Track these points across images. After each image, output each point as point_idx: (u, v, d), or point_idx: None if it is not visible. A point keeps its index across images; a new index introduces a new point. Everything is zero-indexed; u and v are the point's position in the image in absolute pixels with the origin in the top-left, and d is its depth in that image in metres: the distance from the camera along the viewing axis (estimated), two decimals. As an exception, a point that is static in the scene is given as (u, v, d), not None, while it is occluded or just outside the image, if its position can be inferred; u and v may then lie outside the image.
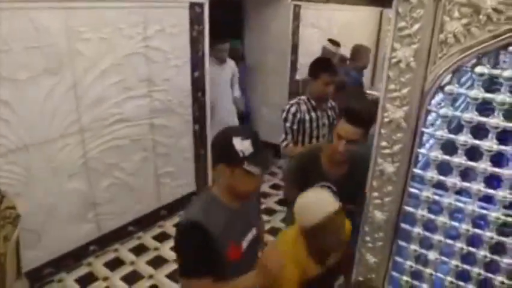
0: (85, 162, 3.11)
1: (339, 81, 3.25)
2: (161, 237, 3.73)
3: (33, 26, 2.56)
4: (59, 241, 3.11)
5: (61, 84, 2.81)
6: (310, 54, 5.22)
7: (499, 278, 1.46)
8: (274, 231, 3.69)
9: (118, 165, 3.37)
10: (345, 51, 4.87)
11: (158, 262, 3.39)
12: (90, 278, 3.19)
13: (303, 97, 2.98)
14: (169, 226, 3.89)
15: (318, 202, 1.66)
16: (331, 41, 4.72)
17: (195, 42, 3.68)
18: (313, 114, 2.94)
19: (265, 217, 4.00)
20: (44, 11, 2.60)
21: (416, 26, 1.28)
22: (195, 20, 3.61)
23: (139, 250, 3.55)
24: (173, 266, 3.33)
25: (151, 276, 3.22)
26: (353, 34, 5.79)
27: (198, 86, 3.83)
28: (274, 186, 4.87)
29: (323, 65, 2.97)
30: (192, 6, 3.54)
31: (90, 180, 3.19)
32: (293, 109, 2.89)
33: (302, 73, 5.20)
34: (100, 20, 2.92)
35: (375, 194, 1.53)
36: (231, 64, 4.51)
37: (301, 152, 2.54)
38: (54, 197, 2.98)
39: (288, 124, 2.88)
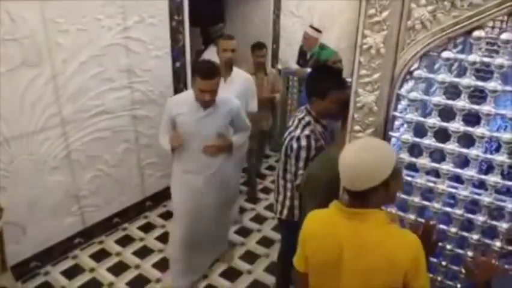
0: (68, 154, 3.10)
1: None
2: (147, 228, 3.75)
3: (9, 18, 2.53)
4: (44, 234, 3.11)
5: (41, 77, 2.78)
6: (291, 43, 5.29)
7: (469, 253, 1.54)
8: (265, 242, 3.60)
9: (101, 157, 3.37)
10: (325, 39, 4.94)
11: (144, 252, 3.41)
12: (76, 270, 3.19)
13: (308, 119, 2.32)
14: (154, 217, 3.91)
15: (382, 148, 1.32)
16: (313, 28, 4.80)
17: (175, 32, 3.67)
18: (324, 135, 2.38)
19: (255, 226, 3.82)
20: (20, 2, 2.56)
21: (385, 13, 1.33)
22: (175, 10, 3.59)
23: (125, 241, 3.56)
24: (160, 256, 3.36)
25: (137, 267, 3.25)
26: (333, 22, 5.84)
27: (179, 76, 3.83)
28: (265, 190, 4.52)
29: (330, 81, 2.30)
30: (171, -4, 3.53)
31: (73, 173, 3.19)
32: (313, 142, 2.25)
33: (283, 62, 5.25)
34: (78, 11, 2.88)
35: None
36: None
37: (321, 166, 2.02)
38: (37, 190, 2.97)
39: (305, 156, 2.24)
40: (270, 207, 4.09)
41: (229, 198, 3.09)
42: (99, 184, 3.42)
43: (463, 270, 1.53)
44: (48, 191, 3.04)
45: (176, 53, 3.74)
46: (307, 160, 2.22)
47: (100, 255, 3.36)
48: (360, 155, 1.29)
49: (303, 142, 2.21)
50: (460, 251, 1.55)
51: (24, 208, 2.92)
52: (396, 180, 1.32)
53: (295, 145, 2.23)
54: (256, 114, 3.51)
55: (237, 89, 3.20)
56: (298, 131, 2.26)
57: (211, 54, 3.76)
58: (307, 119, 2.30)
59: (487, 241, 1.49)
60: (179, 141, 2.61)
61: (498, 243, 1.45)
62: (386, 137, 1.52)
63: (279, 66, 5.19)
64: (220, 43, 3.28)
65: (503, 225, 1.44)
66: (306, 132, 2.24)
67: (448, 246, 1.57)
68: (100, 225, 3.54)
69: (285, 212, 2.48)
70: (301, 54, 5.08)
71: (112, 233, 3.64)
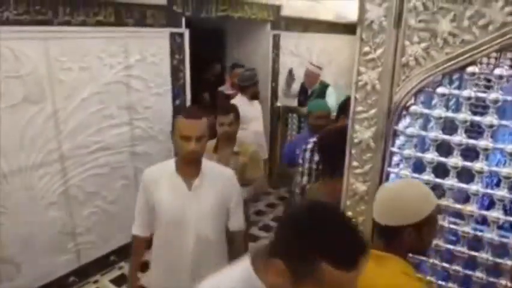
0: (65, 190, 3.08)
1: None
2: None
3: (13, 55, 2.59)
4: (38, 272, 3.03)
5: (42, 113, 2.81)
6: (291, 80, 5.39)
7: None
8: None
9: (98, 194, 3.34)
10: (323, 77, 5.04)
11: (140, 292, 3.32)
12: (69, 310, 3.11)
13: None
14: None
15: (424, 190, 1.32)
16: (313, 65, 4.95)
17: (176, 70, 3.74)
18: None
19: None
20: (24, 40, 2.63)
21: (379, 51, 1.36)
22: (176, 49, 3.68)
23: (120, 281, 3.46)
24: (156, 296, 3.27)
25: (132, 307, 3.15)
26: (331, 60, 5.97)
27: (179, 113, 3.85)
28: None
29: None
30: (172, 35, 3.62)
31: (70, 209, 3.15)
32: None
33: (283, 100, 5.32)
34: (81, 50, 2.95)
35: (349, 213, 1.57)
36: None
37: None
38: (33, 227, 2.92)
39: (306, 165, 2.44)
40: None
41: None
42: (96, 221, 3.37)
43: None
44: (44, 227, 3.00)
45: (177, 91, 3.80)
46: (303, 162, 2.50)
47: (95, 296, 3.27)
48: (402, 187, 1.33)
49: (302, 148, 2.54)
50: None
51: (19, 244, 2.86)
52: (430, 227, 1.28)
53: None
54: None
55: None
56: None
57: (241, 105, 3.28)
58: None
59: (492, 279, 1.44)
60: None
61: (503, 281, 1.41)
62: (384, 173, 1.51)
63: (278, 104, 5.26)
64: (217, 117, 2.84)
65: (507, 263, 1.40)
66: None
67: (451, 285, 1.52)
68: (95, 263, 3.46)
69: None
70: (302, 91, 5.16)
71: (108, 271, 3.55)
